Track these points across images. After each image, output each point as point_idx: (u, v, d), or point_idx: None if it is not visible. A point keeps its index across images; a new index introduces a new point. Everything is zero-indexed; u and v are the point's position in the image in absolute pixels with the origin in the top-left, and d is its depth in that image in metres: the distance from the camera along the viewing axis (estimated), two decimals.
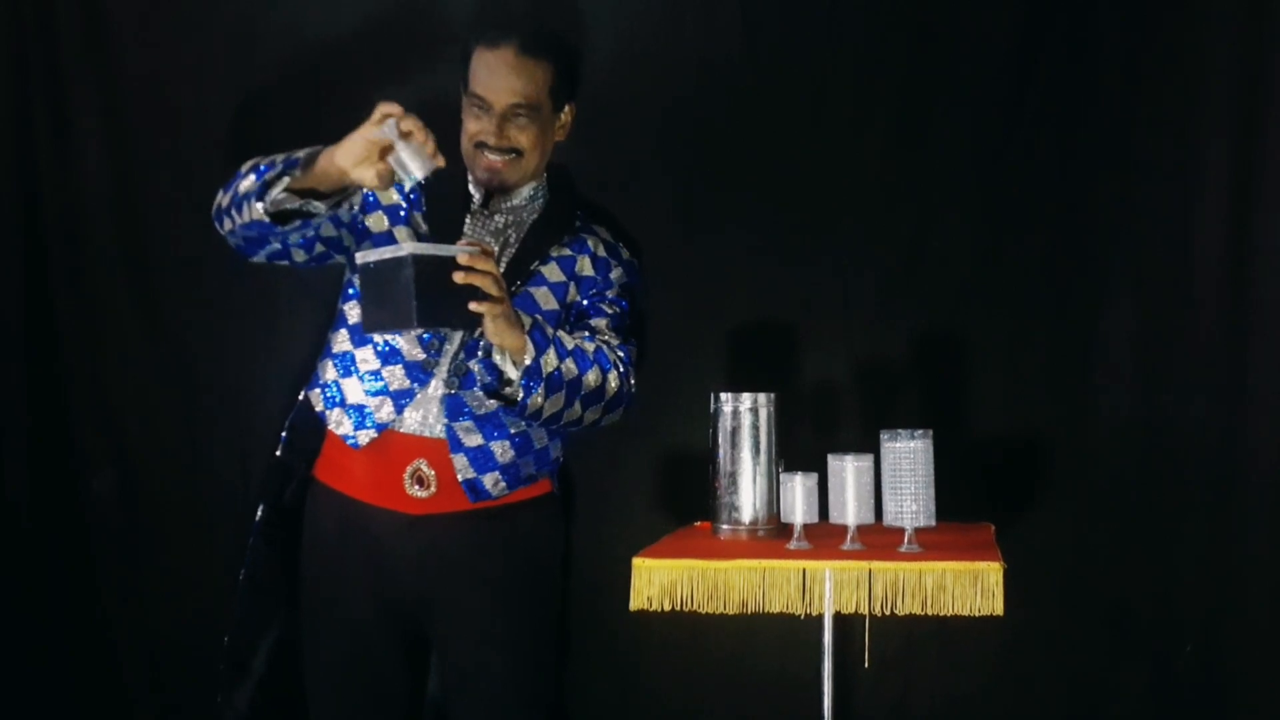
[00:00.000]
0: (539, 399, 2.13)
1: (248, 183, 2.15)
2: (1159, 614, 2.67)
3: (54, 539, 2.91)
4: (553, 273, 2.37)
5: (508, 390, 2.13)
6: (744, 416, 2.30)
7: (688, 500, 2.46)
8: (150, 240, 2.91)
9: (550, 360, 2.13)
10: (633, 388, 2.30)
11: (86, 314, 2.92)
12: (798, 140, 2.78)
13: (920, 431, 2.15)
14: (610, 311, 2.37)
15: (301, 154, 2.12)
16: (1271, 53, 2.54)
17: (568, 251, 2.40)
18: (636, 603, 2.11)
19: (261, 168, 2.15)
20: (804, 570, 2.09)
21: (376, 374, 2.28)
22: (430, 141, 2.03)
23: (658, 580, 2.11)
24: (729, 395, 2.32)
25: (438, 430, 2.28)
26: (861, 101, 2.77)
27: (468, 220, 2.37)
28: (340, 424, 2.30)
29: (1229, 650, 2.61)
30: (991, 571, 2.02)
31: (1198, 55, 2.63)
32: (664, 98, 2.80)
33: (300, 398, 2.39)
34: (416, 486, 2.28)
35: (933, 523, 2.14)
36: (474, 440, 2.28)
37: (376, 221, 2.34)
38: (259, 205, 2.11)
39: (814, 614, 2.11)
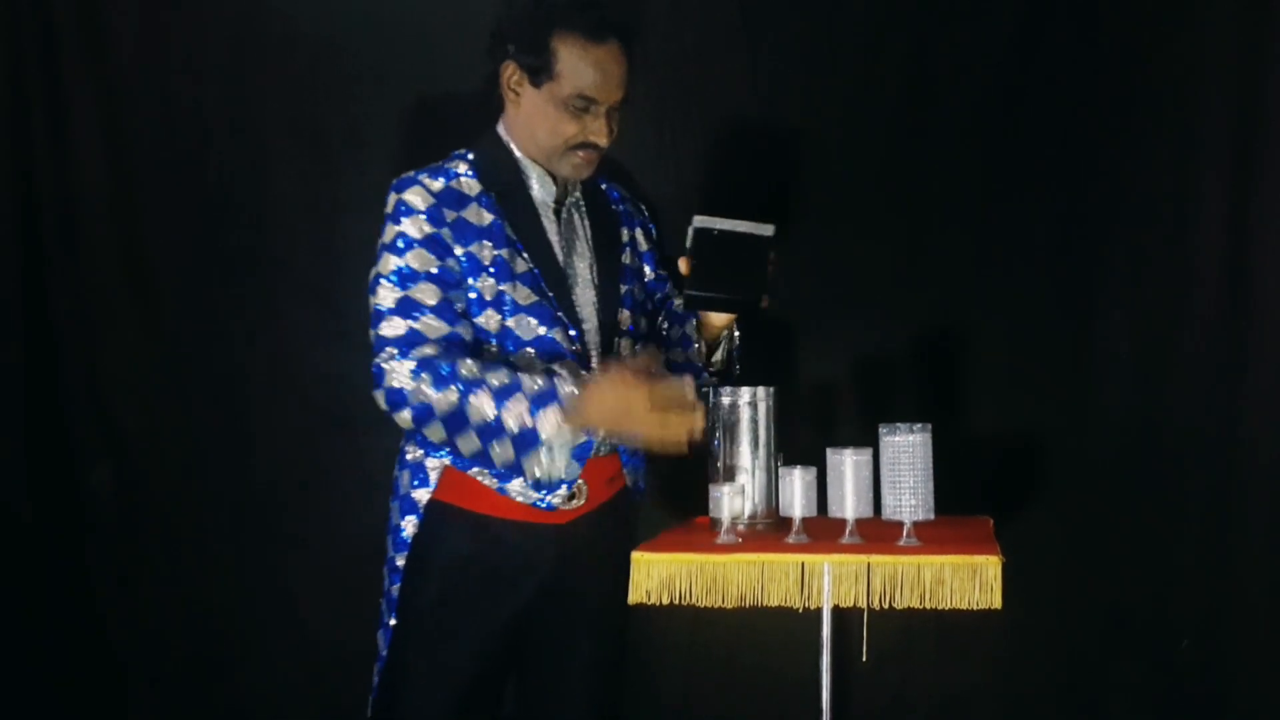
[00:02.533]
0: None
1: (476, 444, 2.07)
2: (1156, 609, 2.67)
3: (51, 534, 2.90)
4: (627, 257, 2.38)
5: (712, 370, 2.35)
6: (742, 410, 2.30)
7: (687, 495, 2.45)
8: (147, 237, 2.90)
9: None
10: None
11: (83, 310, 2.91)
12: (796, 135, 2.78)
13: (919, 426, 2.15)
14: (668, 282, 2.48)
15: (549, 431, 2.05)
16: (1271, 48, 2.55)
17: (625, 233, 2.39)
18: (635, 596, 2.11)
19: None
20: (802, 564, 2.09)
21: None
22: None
23: (656, 574, 2.11)
24: (728, 389, 2.31)
25: (604, 451, 2.26)
26: (860, 97, 2.77)
27: (550, 227, 2.27)
28: (523, 493, 2.21)
29: (1226, 645, 2.62)
30: (990, 565, 2.02)
31: (1197, 53, 2.63)
32: (662, 92, 2.80)
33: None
34: (570, 500, 2.24)
35: (931, 517, 2.15)
36: (631, 447, 2.30)
37: (485, 284, 2.19)
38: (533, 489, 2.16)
39: (812, 608, 2.11)
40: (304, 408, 2.86)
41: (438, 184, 2.19)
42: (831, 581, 2.08)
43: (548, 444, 2.05)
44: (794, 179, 2.78)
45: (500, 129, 2.29)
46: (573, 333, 2.22)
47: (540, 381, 2.06)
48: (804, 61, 2.77)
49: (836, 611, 2.14)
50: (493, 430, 2.05)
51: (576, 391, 2.05)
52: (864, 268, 2.76)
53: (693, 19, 2.80)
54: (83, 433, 2.93)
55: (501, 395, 2.05)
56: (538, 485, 2.15)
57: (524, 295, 2.20)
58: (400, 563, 2.24)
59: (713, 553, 2.11)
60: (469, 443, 2.07)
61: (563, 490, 2.21)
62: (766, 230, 2.05)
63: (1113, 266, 2.70)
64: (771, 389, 2.31)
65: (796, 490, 2.19)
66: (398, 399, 2.09)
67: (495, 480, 2.20)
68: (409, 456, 2.27)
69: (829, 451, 2.20)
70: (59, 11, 2.86)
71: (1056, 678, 2.71)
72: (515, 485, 2.20)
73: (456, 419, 2.06)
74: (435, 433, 2.09)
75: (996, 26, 2.72)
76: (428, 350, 2.10)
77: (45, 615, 2.91)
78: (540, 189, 2.27)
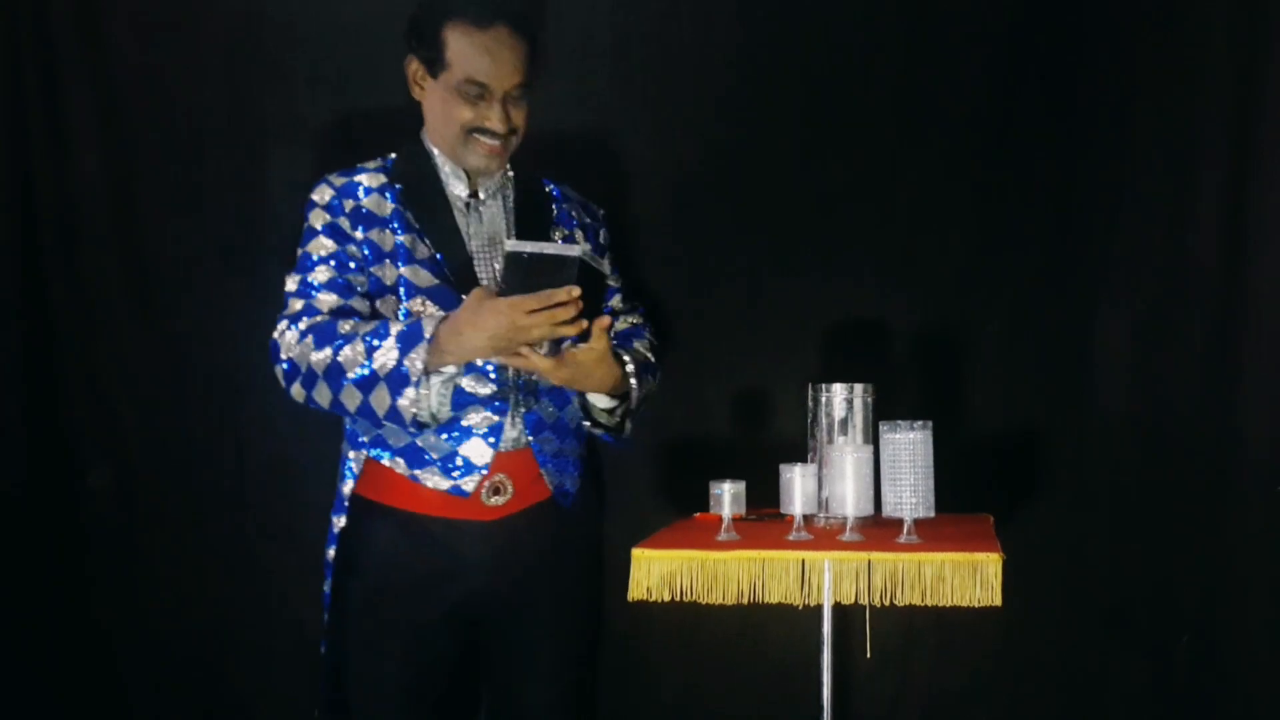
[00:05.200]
0: (629, 424, 2.31)
1: (357, 397, 2.12)
2: (1155, 605, 2.67)
3: (50, 534, 2.90)
4: None
5: (605, 420, 2.29)
6: (837, 408, 2.33)
7: (687, 491, 2.46)
8: (146, 235, 2.90)
9: (646, 387, 2.30)
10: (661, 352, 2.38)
11: (82, 309, 2.91)
12: (793, 133, 2.78)
13: (919, 423, 2.15)
14: (617, 285, 2.38)
15: (403, 369, 2.08)
16: (1268, 47, 2.54)
17: (563, 230, 2.39)
18: (636, 593, 2.11)
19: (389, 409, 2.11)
20: (803, 561, 2.10)
21: (453, 423, 2.23)
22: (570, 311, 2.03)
23: (657, 571, 2.11)
24: (824, 386, 2.35)
25: (522, 444, 2.27)
26: (858, 96, 2.77)
27: (463, 221, 2.30)
28: (434, 479, 2.24)
29: (1224, 641, 2.61)
30: (990, 563, 2.02)
31: (1195, 51, 2.63)
32: (658, 86, 2.81)
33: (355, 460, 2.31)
34: (495, 497, 2.26)
35: (931, 514, 2.14)
36: (552, 447, 2.31)
37: (387, 272, 2.25)
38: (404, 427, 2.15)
39: (813, 605, 2.11)
40: (303, 407, 2.84)
41: (341, 180, 2.30)
42: (832, 578, 2.09)
43: (416, 379, 2.07)
44: (794, 176, 2.78)
45: (423, 129, 2.34)
46: None
47: (402, 323, 2.12)
48: (800, 61, 2.77)
49: (837, 608, 2.14)
50: (368, 379, 2.09)
51: (442, 323, 2.09)
52: (863, 265, 2.77)
53: (686, 18, 2.80)
54: (83, 432, 2.93)
55: (370, 339, 2.10)
56: (417, 425, 2.15)
57: (424, 279, 2.24)
58: (329, 556, 2.30)
59: (713, 549, 2.12)
60: (351, 398, 2.12)
61: (475, 476, 2.23)
62: (574, 252, 2.02)
63: (1112, 264, 2.70)
64: (870, 385, 2.34)
65: (797, 487, 2.20)
66: (288, 369, 2.18)
67: (407, 468, 2.23)
68: (345, 451, 2.33)
69: (830, 449, 2.20)
70: (58, 11, 2.86)
71: (1056, 674, 2.72)
72: (427, 473, 2.23)
73: (334, 374, 2.12)
74: (322, 395, 2.14)
75: (994, 25, 2.72)
76: (318, 319, 2.17)
77: (44, 614, 2.90)
78: (453, 182, 2.31)
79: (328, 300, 2.20)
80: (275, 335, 2.21)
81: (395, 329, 2.10)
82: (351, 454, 2.30)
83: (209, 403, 2.91)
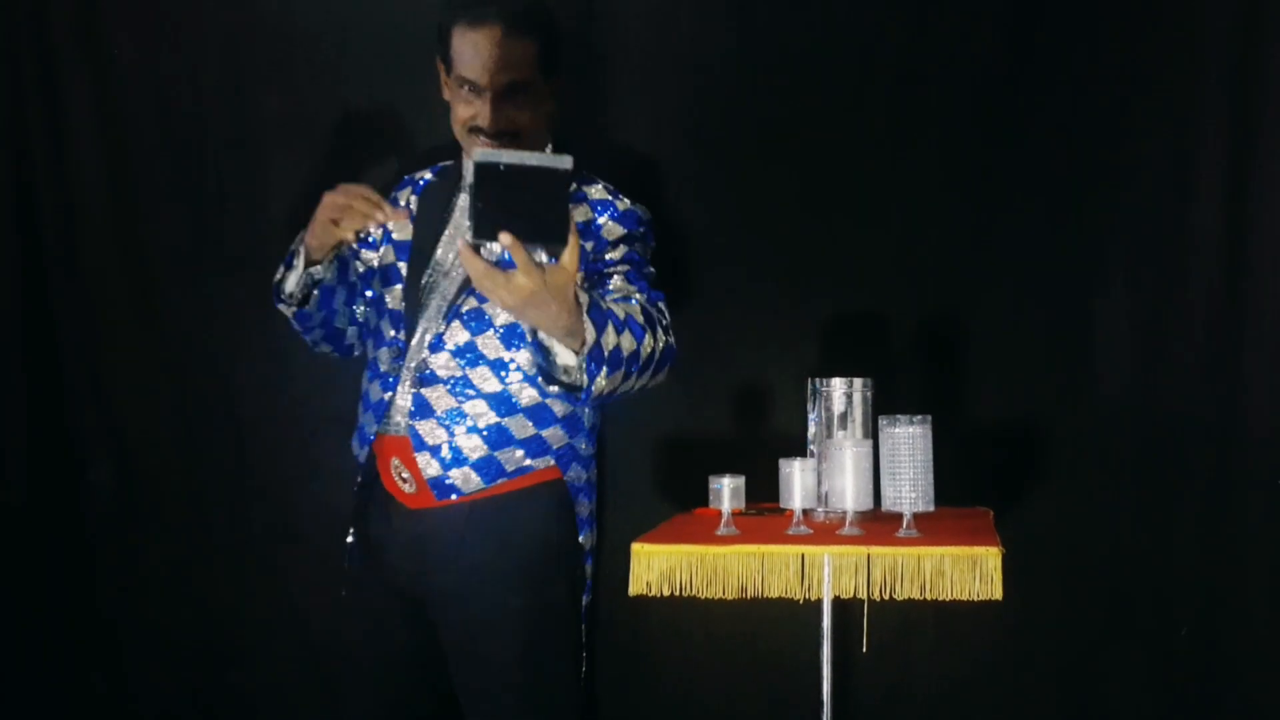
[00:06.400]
0: (601, 380, 1.95)
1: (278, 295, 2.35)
2: (1155, 598, 2.67)
3: (52, 532, 2.91)
4: None
5: (565, 378, 1.97)
6: (836, 401, 2.33)
7: (687, 486, 2.46)
8: (146, 234, 2.91)
9: (610, 338, 1.93)
10: (672, 344, 2.14)
11: (83, 308, 2.91)
12: (791, 125, 2.78)
13: (919, 417, 2.15)
14: (623, 269, 2.26)
15: (293, 249, 2.29)
16: (1269, 39, 2.54)
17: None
18: (636, 588, 2.11)
19: (275, 282, 2.34)
20: (803, 555, 2.10)
21: (365, 393, 2.41)
22: (368, 206, 2.13)
23: (657, 565, 2.11)
24: (823, 380, 2.36)
25: (402, 430, 2.31)
26: (856, 85, 2.77)
27: (461, 197, 2.37)
28: (355, 444, 2.43)
29: (1225, 633, 2.61)
30: (990, 556, 2.02)
31: (1195, 41, 2.63)
32: (654, 84, 2.81)
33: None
34: (403, 484, 2.32)
35: (931, 508, 2.14)
36: (438, 437, 2.28)
37: (381, 254, 2.45)
38: (281, 307, 2.35)
39: (813, 599, 2.12)
40: (302, 406, 2.86)
41: (416, 175, 2.51)
42: (832, 573, 2.09)
43: (289, 255, 2.29)
44: (792, 169, 2.78)
45: None
46: (408, 298, 2.35)
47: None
48: (799, 54, 2.77)
49: (837, 602, 2.15)
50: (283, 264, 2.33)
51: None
52: (862, 258, 2.76)
53: (685, 14, 2.80)
54: (83, 432, 2.93)
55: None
56: (282, 301, 2.34)
57: (388, 257, 2.42)
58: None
59: (713, 544, 2.12)
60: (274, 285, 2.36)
61: (365, 449, 2.37)
62: (564, 163, 1.72)
63: (1112, 257, 2.69)
64: (869, 379, 2.34)
65: (797, 482, 2.20)
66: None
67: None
68: None
69: (829, 443, 2.20)
70: (57, 11, 2.87)
71: (1056, 667, 2.71)
72: (354, 438, 2.41)
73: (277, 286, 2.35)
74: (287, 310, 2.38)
75: (993, 15, 2.72)
76: None
77: (46, 613, 2.91)
78: (467, 174, 2.37)
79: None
80: None
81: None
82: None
83: (211, 402, 2.91)
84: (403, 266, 2.39)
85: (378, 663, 2.39)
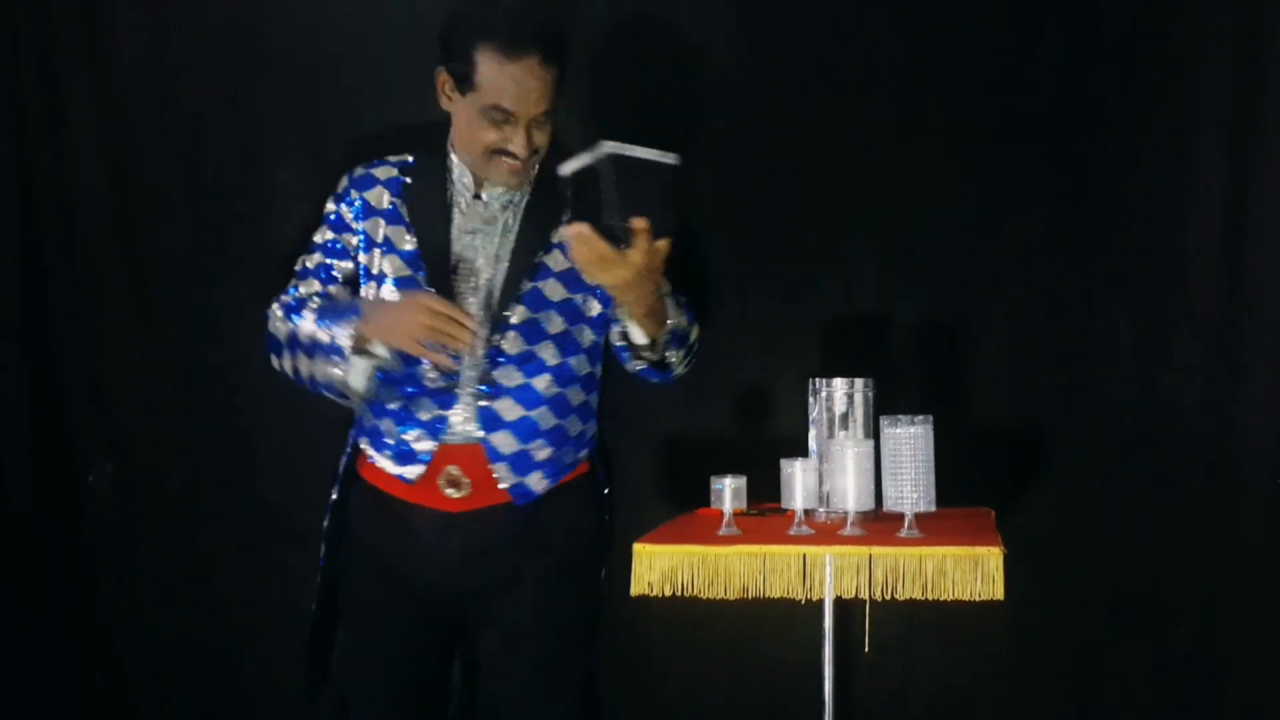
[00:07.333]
0: (675, 357, 2.32)
1: (309, 366, 2.30)
2: (1156, 598, 2.67)
3: (52, 533, 2.91)
4: (557, 261, 2.36)
5: (646, 353, 2.29)
6: (838, 401, 2.33)
7: (688, 486, 2.46)
8: (147, 237, 2.90)
9: (682, 321, 2.30)
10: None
11: (83, 308, 2.91)
12: (794, 125, 2.78)
13: (920, 418, 2.15)
14: None
15: (335, 343, 2.23)
16: (1270, 42, 2.55)
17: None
18: (637, 588, 2.11)
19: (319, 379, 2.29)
20: (804, 555, 2.10)
21: (401, 412, 2.34)
22: (461, 331, 2.16)
23: (659, 566, 2.11)
24: (825, 380, 2.36)
25: (475, 436, 2.31)
26: (859, 86, 2.77)
27: (458, 210, 2.36)
28: (386, 463, 2.38)
29: (1224, 633, 2.62)
30: (991, 556, 2.02)
31: (1196, 44, 2.63)
32: (655, 80, 2.80)
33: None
34: (450, 489, 2.32)
35: (933, 508, 2.14)
36: (511, 445, 2.32)
37: (374, 260, 2.39)
38: (336, 399, 2.32)
39: (814, 599, 2.12)
40: (302, 406, 2.85)
41: (360, 172, 2.44)
42: (833, 573, 2.09)
43: (344, 351, 2.22)
44: (794, 168, 2.78)
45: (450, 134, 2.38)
46: None
47: (349, 302, 2.31)
48: (800, 55, 2.77)
49: (838, 603, 2.14)
50: (312, 347, 2.26)
51: (375, 304, 2.28)
52: (864, 259, 2.76)
53: (685, 13, 2.79)
54: (83, 432, 2.93)
55: (322, 314, 2.28)
56: (344, 397, 2.31)
57: (398, 268, 2.35)
58: (324, 525, 2.47)
59: (715, 544, 2.12)
60: (304, 365, 2.31)
61: (418, 466, 2.32)
62: (672, 159, 1.97)
63: (1112, 258, 2.70)
64: (871, 380, 2.35)
65: (798, 482, 2.20)
66: (269, 342, 2.39)
67: (370, 449, 2.40)
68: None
69: (831, 443, 2.20)
70: (57, 11, 2.86)
71: (1057, 667, 2.71)
72: (383, 457, 2.37)
73: (292, 342, 2.31)
74: (286, 363, 2.35)
75: (994, 17, 2.72)
76: (295, 295, 2.38)
77: (46, 613, 2.91)
78: (460, 185, 2.36)
79: (310, 286, 2.38)
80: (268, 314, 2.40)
81: (342, 305, 2.29)
82: (352, 432, 2.47)
83: (211, 402, 2.91)
84: (420, 278, 2.33)
85: (398, 667, 2.41)
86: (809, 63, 2.77)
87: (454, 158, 2.37)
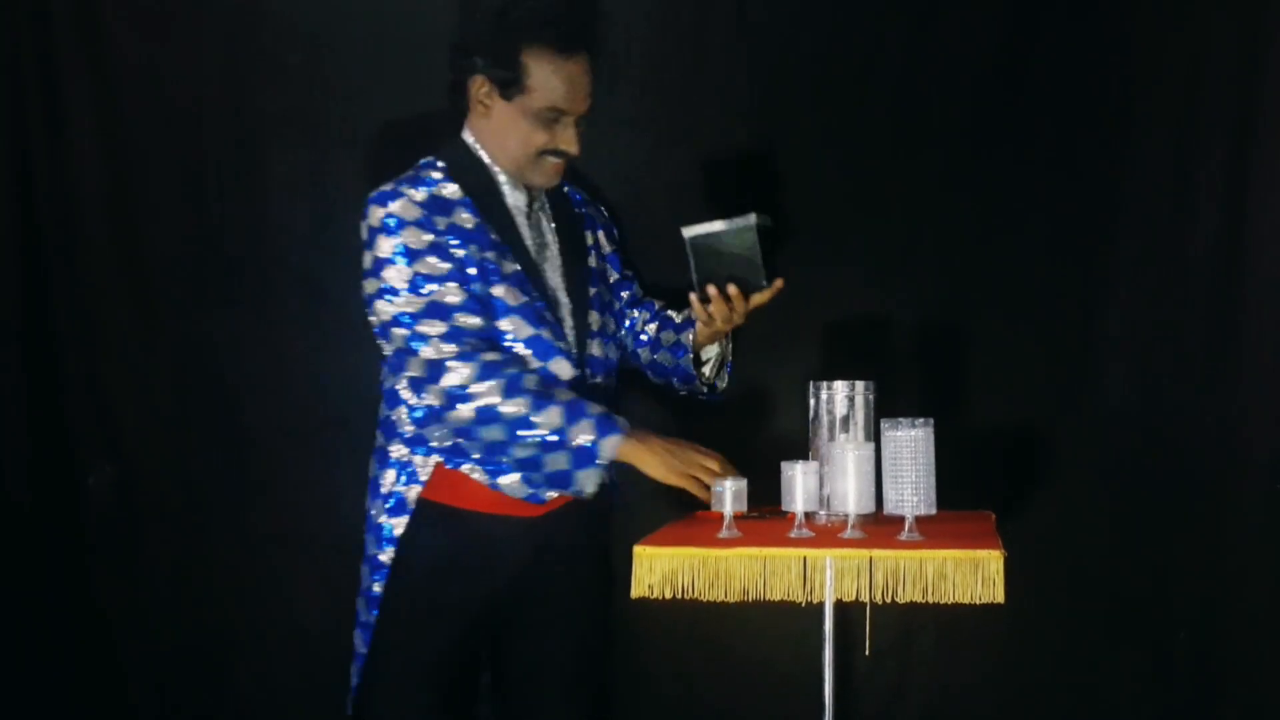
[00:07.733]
0: (723, 380, 2.54)
1: (524, 449, 2.20)
2: (1156, 602, 2.68)
3: (52, 535, 2.90)
4: (590, 259, 2.43)
5: (704, 380, 2.48)
6: (839, 404, 2.34)
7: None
8: (147, 237, 2.90)
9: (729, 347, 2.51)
10: None
11: (83, 310, 2.91)
12: (794, 126, 2.78)
13: (921, 420, 2.15)
14: (629, 274, 2.55)
15: (609, 453, 2.18)
16: (1270, 43, 2.54)
17: (592, 232, 2.46)
18: (638, 590, 2.11)
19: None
20: (805, 558, 2.09)
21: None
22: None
23: (659, 568, 2.10)
24: (825, 383, 2.36)
25: None
26: (857, 88, 2.77)
27: (524, 232, 2.33)
28: (513, 485, 2.28)
29: (1224, 636, 2.62)
30: (992, 560, 2.02)
31: (1196, 45, 2.63)
32: (654, 84, 2.80)
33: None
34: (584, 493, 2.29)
35: (933, 511, 2.14)
36: None
37: (478, 288, 2.24)
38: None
39: (815, 602, 2.11)
40: (301, 407, 2.86)
41: (420, 194, 2.23)
42: (834, 576, 2.09)
43: (603, 463, 2.19)
44: (794, 171, 2.78)
45: (468, 138, 2.33)
46: (559, 332, 2.30)
47: (598, 408, 2.20)
48: (800, 57, 2.77)
49: (839, 605, 2.14)
50: (556, 444, 2.17)
51: (636, 430, 2.21)
52: (864, 262, 2.77)
53: (685, 14, 2.80)
54: (83, 433, 2.93)
55: (571, 414, 2.17)
56: (578, 493, 2.24)
57: (514, 297, 2.25)
58: (384, 559, 2.30)
59: (715, 547, 2.12)
60: (525, 450, 2.18)
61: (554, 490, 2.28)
62: (752, 220, 2.26)
63: (1113, 261, 2.70)
64: (871, 383, 2.35)
65: (798, 485, 2.20)
66: (459, 396, 2.17)
67: (488, 477, 2.26)
68: (393, 455, 2.31)
69: (831, 446, 2.19)
70: (58, 10, 2.86)
71: (1057, 670, 2.72)
72: (508, 481, 2.26)
73: (520, 426, 2.16)
74: (492, 434, 2.18)
75: (994, 19, 2.72)
76: (485, 354, 2.18)
77: (46, 613, 2.91)
78: (512, 195, 2.32)
79: (472, 323, 2.21)
80: (431, 355, 2.18)
81: (593, 411, 2.18)
82: (416, 459, 2.29)
83: (211, 402, 2.91)
84: (500, 291, 2.26)
85: (439, 685, 2.35)
86: (809, 63, 2.77)
87: (488, 163, 2.31)
